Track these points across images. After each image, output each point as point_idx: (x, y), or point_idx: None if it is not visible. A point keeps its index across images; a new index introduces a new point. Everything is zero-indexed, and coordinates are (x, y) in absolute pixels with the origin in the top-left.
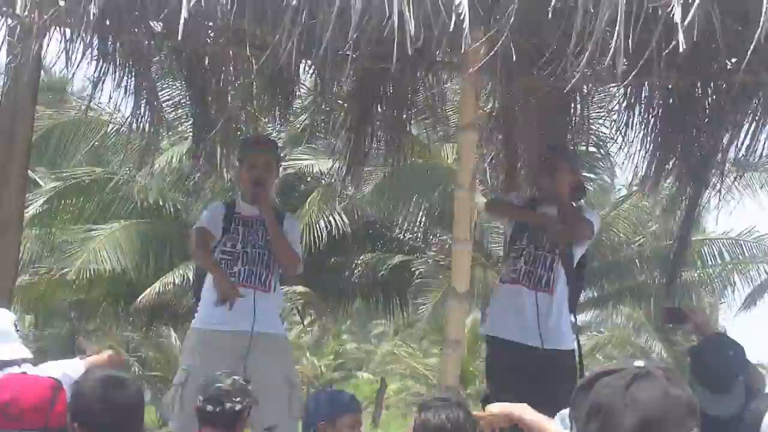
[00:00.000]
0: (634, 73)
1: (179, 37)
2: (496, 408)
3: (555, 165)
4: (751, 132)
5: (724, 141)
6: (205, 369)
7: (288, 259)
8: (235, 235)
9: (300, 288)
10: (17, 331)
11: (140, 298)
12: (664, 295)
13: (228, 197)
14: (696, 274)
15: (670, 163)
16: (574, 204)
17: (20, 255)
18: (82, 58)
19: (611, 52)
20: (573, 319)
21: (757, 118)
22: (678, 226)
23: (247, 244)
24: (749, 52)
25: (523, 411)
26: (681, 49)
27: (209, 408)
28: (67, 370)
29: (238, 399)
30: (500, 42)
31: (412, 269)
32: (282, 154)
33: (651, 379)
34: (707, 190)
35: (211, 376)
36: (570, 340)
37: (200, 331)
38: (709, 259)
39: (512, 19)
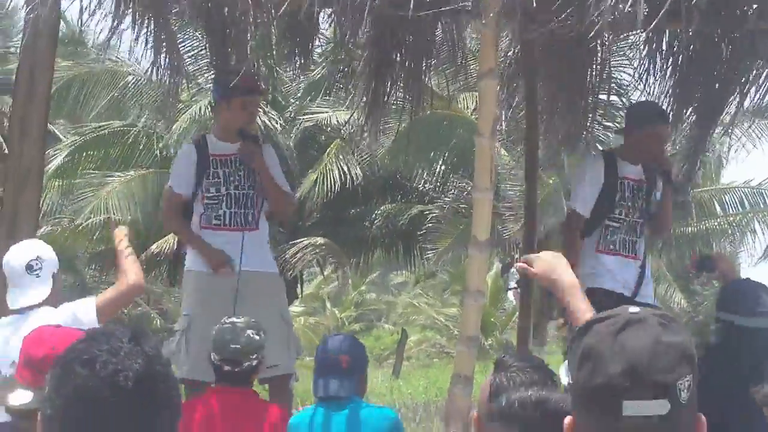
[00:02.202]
0: (656, 20)
1: None
2: (538, 265)
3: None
4: None
5: (739, 89)
6: (205, 313)
7: (282, 204)
8: (215, 179)
9: (320, 239)
10: (38, 267)
11: (152, 246)
12: (680, 215)
13: (197, 135)
14: (716, 223)
15: (689, 109)
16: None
17: (41, 205)
18: (99, 7)
19: None
20: None
21: None
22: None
23: (230, 185)
24: None
25: (559, 278)
26: None
27: (227, 368)
28: (78, 311)
29: (255, 356)
30: None
31: (425, 213)
32: (301, 105)
33: (643, 325)
34: (713, 137)
35: (225, 332)
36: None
37: (194, 274)
38: (729, 208)
39: None
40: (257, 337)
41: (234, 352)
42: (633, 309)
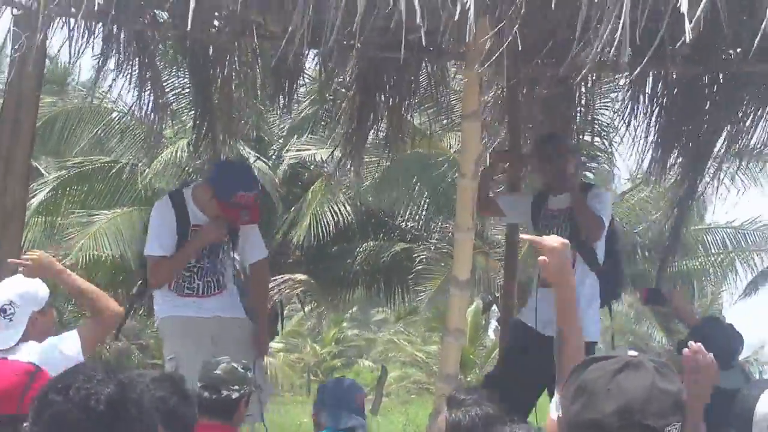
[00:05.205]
0: (641, 65)
1: (189, 27)
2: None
3: (556, 149)
4: (754, 121)
5: (727, 131)
6: (191, 354)
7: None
8: None
9: (300, 276)
10: (11, 311)
11: (136, 286)
12: (656, 283)
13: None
14: (698, 263)
15: (674, 152)
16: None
17: (23, 241)
18: (86, 47)
19: (617, 42)
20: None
21: (759, 107)
22: (673, 215)
23: (204, 258)
24: (756, 42)
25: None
26: (687, 39)
27: (206, 395)
28: (62, 344)
29: (236, 387)
30: (505, 33)
31: (414, 256)
32: (285, 144)
33: (641, 369)
34: (705, 180)
35: (209, 363)
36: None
37: (173, 319)
38: (711, 248)
39: (518, 8)
40: (241, 371)
41: (215, 378)
42: (632, 352)
